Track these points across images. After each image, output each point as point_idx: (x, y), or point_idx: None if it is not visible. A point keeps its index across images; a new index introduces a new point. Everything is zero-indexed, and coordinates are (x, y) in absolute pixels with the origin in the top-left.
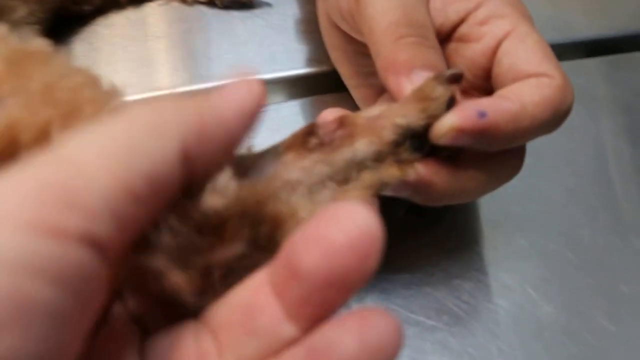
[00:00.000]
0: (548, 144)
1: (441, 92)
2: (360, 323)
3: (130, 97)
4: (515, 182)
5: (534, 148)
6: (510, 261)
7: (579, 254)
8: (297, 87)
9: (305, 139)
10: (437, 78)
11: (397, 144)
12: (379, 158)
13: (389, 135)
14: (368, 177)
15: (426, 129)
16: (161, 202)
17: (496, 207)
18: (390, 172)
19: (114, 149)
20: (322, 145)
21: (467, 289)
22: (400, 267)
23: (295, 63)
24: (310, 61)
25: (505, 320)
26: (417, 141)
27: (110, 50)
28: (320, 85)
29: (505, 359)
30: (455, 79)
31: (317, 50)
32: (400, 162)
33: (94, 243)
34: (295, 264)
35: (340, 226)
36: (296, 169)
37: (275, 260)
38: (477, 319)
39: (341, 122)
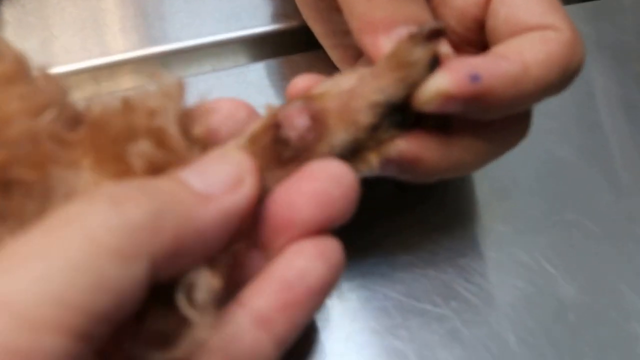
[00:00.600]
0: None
1: (420, 54)
2: (319, 248)
3: (73, 66)
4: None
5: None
6: (523, 235)
7: (600, 223)
8: (263, 46)
9: (275, 149)
10: (413, 37)
11: (375, 126)
12: (356, 146)
13: (365, 118)
14: None
15: (408, 99)
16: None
17: (502, 173)
18: (367, 160)
19: (70, 294)
20: (297, 155)
21: (476, 268)
22: (400, 247)
23: (259, 20)
24: (277, 17)
25: (522, 303)
26: (398, 116)
27: (47, 12)
28: (289, 43)
29: (527, 349)
30: (435, 34)
31: (285, 3)
32: (379, 144)
33: None
34: (292, 216)
35: (332, 181)
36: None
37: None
38: (490, 304)
39: (312, 116)
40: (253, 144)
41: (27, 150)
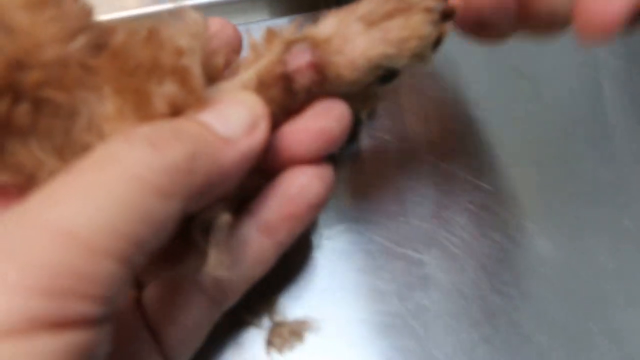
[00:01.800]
0: (543, 64)
1: (430, 30)
2: (318, 170)
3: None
4: (513, 107)
5: (530, 75)
6: (507, 194)
7: (579, 187)
8: (288, 2)
9: (282, 98)
10: (429, 12)
11: (370, 83)
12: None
13: (365, 77)
14: None
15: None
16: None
17: (494, 134)
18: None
19: (118, 221)
20: (300, 102)
21: (459, 221)
22: (385, 197)
23: None
24: None
25: (499, 255)
26: (389, 75)
27: None
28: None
29: (498, 296)
30: (448, 15)
31: None
32: (365, 97)
33: (95, 323)
34: (299, 151)
35: (335, 120)
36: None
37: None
38: (469, 254)
39: (317, 65)
40: (262, 89)
41: (58, 73)
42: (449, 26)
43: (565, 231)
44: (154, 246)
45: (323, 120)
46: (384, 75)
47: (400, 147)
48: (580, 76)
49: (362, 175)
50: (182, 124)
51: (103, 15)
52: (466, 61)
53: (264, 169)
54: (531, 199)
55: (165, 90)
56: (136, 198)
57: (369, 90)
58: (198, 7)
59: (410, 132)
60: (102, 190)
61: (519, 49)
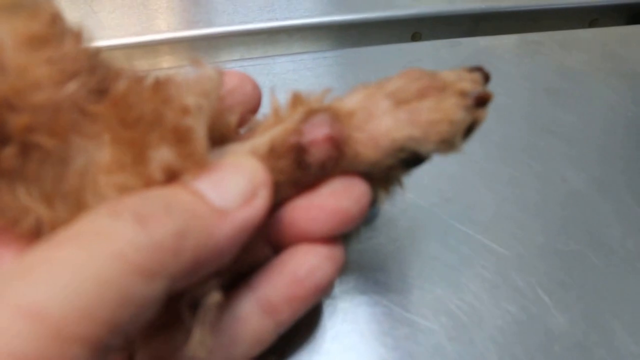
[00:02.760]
0: (574, 122)
1: (463, 116)
2: (330, 250)
3: (126, 40)
4: (534, 164)
5: (558, 128)
6: (524, 260)
7: (604, 258)
8: (294, 39)
9: (294, 170)
10: (464, 96)
11: (390, 167)
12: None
13: (387, 159)
14: None
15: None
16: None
17: (510, 194)
18: (376, 192)
19: (95, 305)
20: (313, 177)
21: (471, 288)
22: (397, 258)
23: (292, 13)
24: (310, 11)
25: (511, 328)
26: (412, 161)
27: None
28: (320, 38)
29: None
30: (483, 101)
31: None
32: (387, 180)
33: None
34: (312, 228)
35: (353, 200)
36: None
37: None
38: (479, 325)
39: (336, 140)
40: (272, 157)
41: (49, 117)
42: (484, 113)
43: (582, 306)
44: (134, 328)
45: (341, 200)
46: (409, 159)
47: (413, 204)
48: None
49: (370, 231)
50: (174, 195)
51: (133, 38)
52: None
53: (270, 241)
54: (550, 267)
55: (162, 156)
56: (116, 279)
57: (390, 172)
58: (204, 37)
59: (423, 190)
60: (80, 269)
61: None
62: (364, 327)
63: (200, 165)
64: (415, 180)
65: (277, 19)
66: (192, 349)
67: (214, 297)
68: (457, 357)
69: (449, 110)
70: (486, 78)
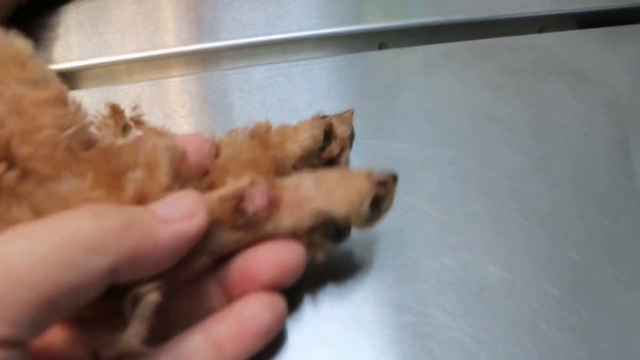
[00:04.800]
0: (516, 113)
1: (368, 188)
2: (270, 299)
3: (134, 55)
4: (476, 147)
5: (500, 116)
6: (461, 224)
7: (533, 221)
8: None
9: (233, 215)
10: (381, 183)
11: (312, 229)
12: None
13: (308, 221)
14: None
15: (348, 223)
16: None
17: (453, 171)
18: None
19: (47, 262)
20: (248, 223)
21: (414, 246)
22: None
23: (299, 24)
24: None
25: (448, 278)
26: (332, 228)
27: (116, 5)
28: (321, 47)
29: (444, 314)
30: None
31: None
32: (311, 243)
33: (13, 345)
34: (254, 276)
35: (290, 254)
36: (221, 240)
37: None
38: (420, 276)
39: (270, 201)
40: (219, 203)
41: (48, 151)
42: (388, 192)
43: (511, 261)
44: (79, 296)
45: (279, 253)
46: (327, 223)
47: None
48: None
49: None
50: (130, 207)
51: (140, 53)
52: None
53: (225, 288)
54: (485, 229)
55: (136, 176)
56: (68, 249)
57: (315, 237)
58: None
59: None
60: (43, 237)
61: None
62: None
63: (162, 194)
64: (372, 164)
65: (282, 32)
66: (127, 338)
67: (153, 296)
68: (401, 302)
69: (358, 184)
70: (394, 178)
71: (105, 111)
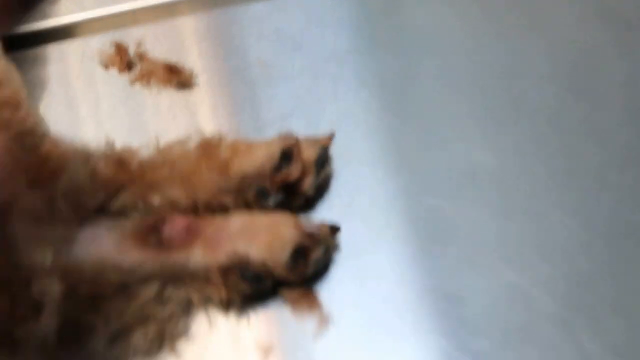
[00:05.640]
0: None
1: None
2: None
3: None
4: None
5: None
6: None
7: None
8: None
9: (147, 235)
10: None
11: (227, 268)
12: (207, 274)
13: (223, 259)
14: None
15: (266, 269)
16: None
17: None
18: (211, 292)
19: None
20: (160, 244)
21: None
22: None
23: None
24: None
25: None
26: (251, 274)
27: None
28: None
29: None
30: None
31: None
32: (227, 286)
33: None
34: None
35: None
36: (130, 258)
37: None
38: (389, 223)
39: (188, 232)
40: (138, 224)
41: None
42: (317, 246)
43: (466, 199)
44: None
45: None
46: (243, 264)
47: None
48: None
49: None
50: None
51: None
52: None
53: None
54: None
55: None
56: None
57: (230, 278)
58: None
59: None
60: None
61: None
62: None
63: None
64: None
65: None
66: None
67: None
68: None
69: (282, 231)
70: (334, 231)
71: (110, 50)
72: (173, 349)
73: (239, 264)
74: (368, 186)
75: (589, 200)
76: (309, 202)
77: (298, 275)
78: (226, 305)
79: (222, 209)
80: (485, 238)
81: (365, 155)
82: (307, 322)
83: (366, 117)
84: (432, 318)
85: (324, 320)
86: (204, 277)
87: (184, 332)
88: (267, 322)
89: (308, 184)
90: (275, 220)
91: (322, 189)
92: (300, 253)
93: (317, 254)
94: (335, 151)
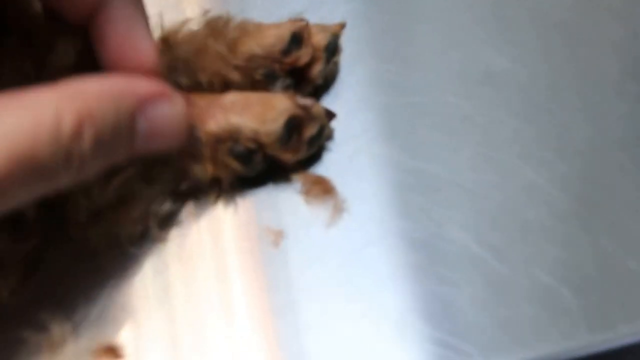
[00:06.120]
0: None
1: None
2: None
3: None
4: None
5: None
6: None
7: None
8: None
9: None
10: (290, 97)
11: (218, 141)
12: (196, 151)
13: (214, 128)
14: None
15: (258, 143)
16: None
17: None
18: (198, 169)
19: None
20: None
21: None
22: None
23: None
24: None
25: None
26: (242, 149)
27: None
28: None
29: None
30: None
31: None
32: (215, 161)
33: None
34: None
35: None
36: None
37: None
38: (379, 177)
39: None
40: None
41: None
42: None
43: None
44: None
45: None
46: (235, 145)
47: None
48: None
49: None
50: None
51: None
52: None
53: None
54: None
55: None
56: None
57: (219, 153)
58: None
59: None
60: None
61: None
62: None
63: None
64: None
65: None
66: None
67: None
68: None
69: (275, 102)
70: (330, 115)
71: None
72: (159, 235)
73: (230, 134)
74: (379, 83)
75: (607, 107)
76: (316, 93)
77: (291, 152)
78: (215, 188)
79: (225, 89)
80: (503, 136)
81: (378, 53)
82: (321, 210)
83: (381, 17)
84: (448, 210)
85: (338, 208)
86: (193, 153)
87: (171, 216)
88: (278, 207)
89: (317, 70)
90: (269, 95)
91: (330, 80)
92: (294, 126)
93: (311, 130)
94: (346, 48)
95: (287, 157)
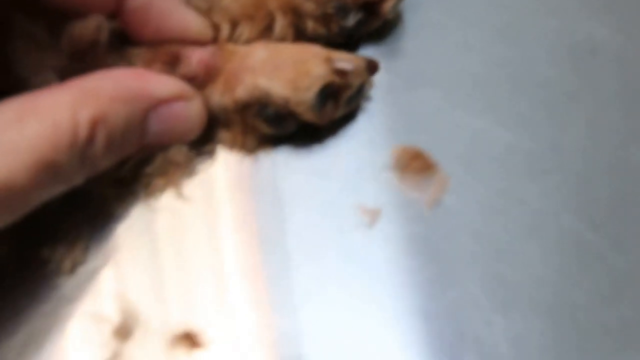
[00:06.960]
0: None
1: (319, 72)
2: None
3: None
4: None
5: None
6: None
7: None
8: None
9: (166, 61)
10: (327, 60)
11: (246, 106)
12: (226, 113)
13: (242, 94)
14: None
15: (288, 108)
16: None
17: None
18: (225, 137)
19: None
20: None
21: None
22: None
23: None
24: None
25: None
26: (271, 112)
27: None
28: None
29: None
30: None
31: None
32: (244, 123)
33: None
34: None
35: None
36: None
37: None
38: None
39: (207, 69)
40: (153, 54)
41: None
42: (356, 82)
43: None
44: None
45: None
46: (264, 109)
47: None
48: None
49: None
50: None
51: None
52: None
53: None
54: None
55: None
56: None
57: (247, 115)
58: None
59: None
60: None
61: None
62: None
63: None
64: None
65: None
66: None
67: None
68: None
69: (310, 66)
70: (372, 69)
71: None
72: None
73: (259, 100)
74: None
75: None
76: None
77: (326, 118)
78: (245, 149)
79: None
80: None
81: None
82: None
83: None
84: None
85: (442, 186)
86: (221, 118)
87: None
88: (373, 186)
89: (390, 4)
90: (304, 52)
91: (393, 23)
92: (329, 93)
93: (350, 94)
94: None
95: (321, 121)
